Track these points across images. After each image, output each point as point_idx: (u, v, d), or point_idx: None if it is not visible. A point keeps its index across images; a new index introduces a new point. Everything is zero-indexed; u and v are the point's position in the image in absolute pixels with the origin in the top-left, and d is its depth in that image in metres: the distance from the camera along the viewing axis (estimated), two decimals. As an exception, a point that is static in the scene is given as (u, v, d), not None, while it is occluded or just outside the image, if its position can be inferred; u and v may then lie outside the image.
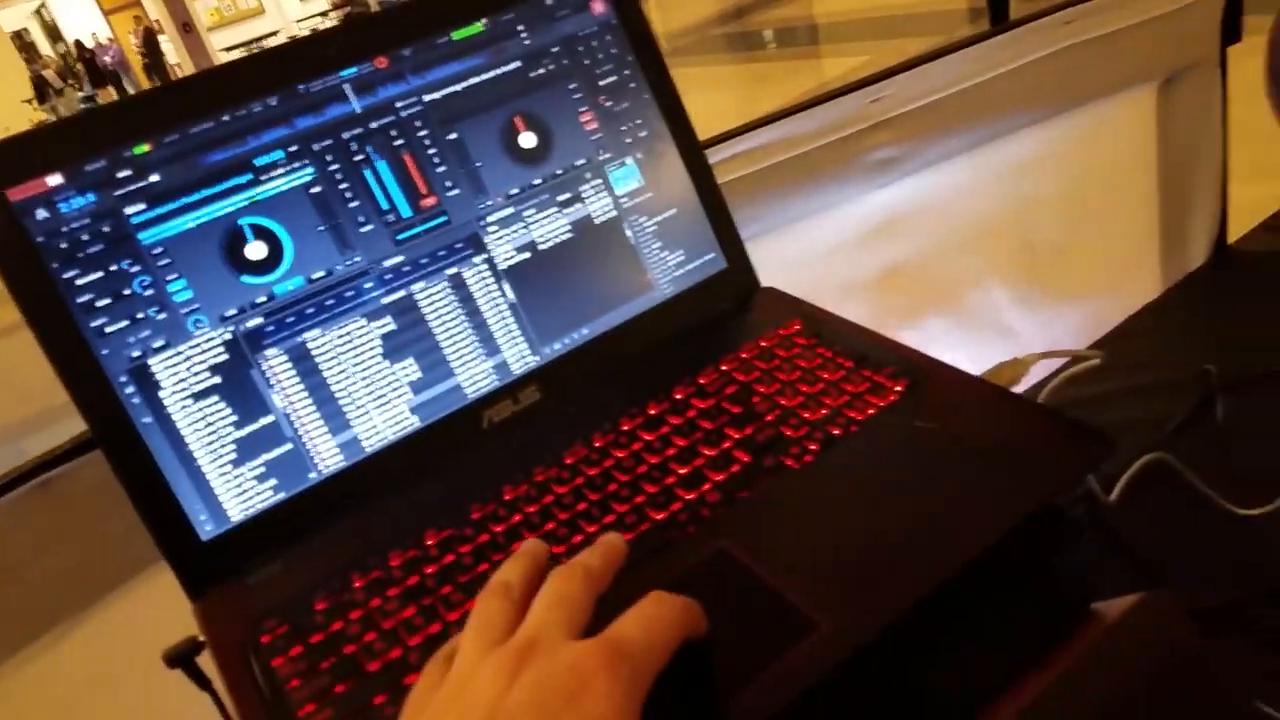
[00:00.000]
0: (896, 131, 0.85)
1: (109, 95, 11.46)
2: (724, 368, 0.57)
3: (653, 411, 0.55)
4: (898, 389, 0.52)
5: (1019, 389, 0.64)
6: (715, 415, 0.53)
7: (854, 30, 5.66)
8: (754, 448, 0.50)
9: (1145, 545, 0.67)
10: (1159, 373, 0.87)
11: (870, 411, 0.51)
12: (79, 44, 12.49)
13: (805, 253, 0.89)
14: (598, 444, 0.53)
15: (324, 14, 11.94)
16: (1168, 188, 1.06)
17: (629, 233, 0.60)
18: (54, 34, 14.70)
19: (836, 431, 0.50)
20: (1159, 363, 0.88)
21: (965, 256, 1.00)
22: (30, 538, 0.59)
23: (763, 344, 0.58)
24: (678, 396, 0.55)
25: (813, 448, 0.50)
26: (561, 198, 0.59)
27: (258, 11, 12.60)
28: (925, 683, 0.44)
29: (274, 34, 12.05)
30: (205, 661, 0.48)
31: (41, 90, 11.97)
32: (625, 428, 0.54)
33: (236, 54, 10.60)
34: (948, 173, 0.91)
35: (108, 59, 12.20)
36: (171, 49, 11.34)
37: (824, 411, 0.52)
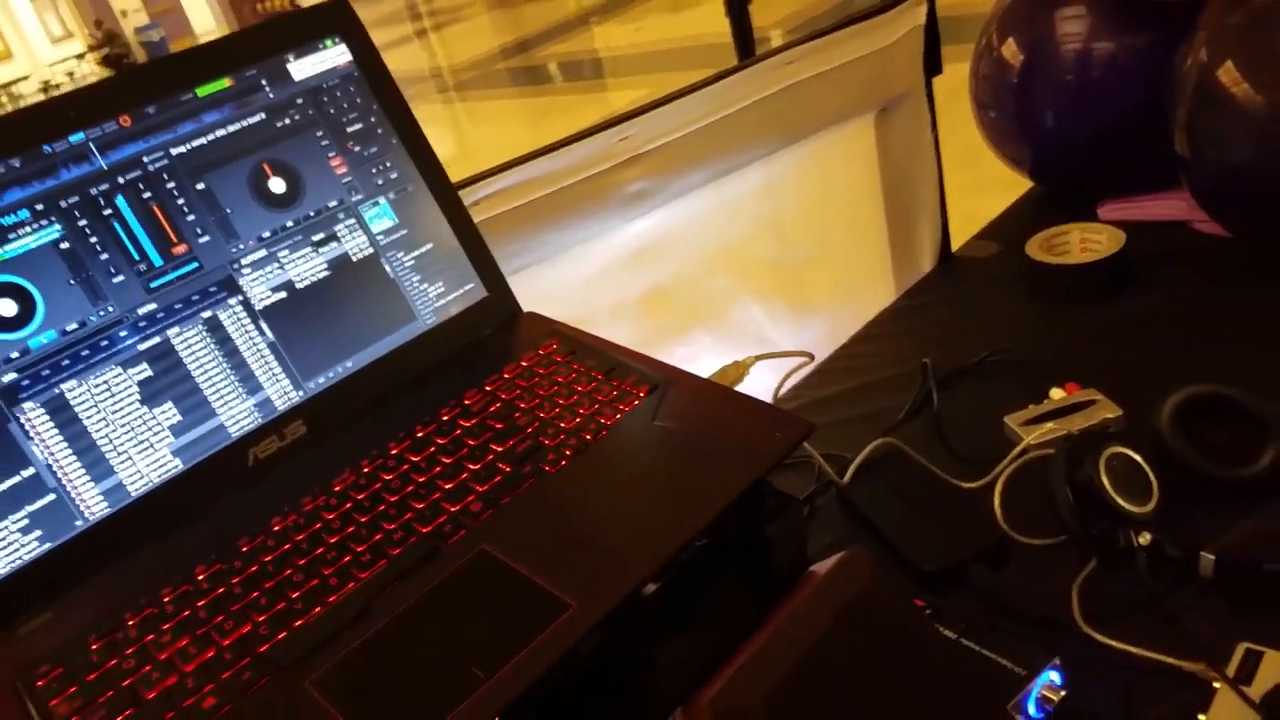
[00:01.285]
0: (645, 166, 0.93)
1: None
2: (488, 388, 0.61)
3: (420, 434, 0.58)
4: (641, 394, 0.58)
5: (742, 386, 0.73)
6: (479, 432, 0.58)
7: (635, 64, 5.87)
8: (515, 458, 0.55)
9: (884, 519, 0.76)
10: (891, 369, 0.98)
11: (617, 416, 0.57)
12: None
13: (575, 280, 0.96)
14: (366, 469, 0.56)
15: (80, 56, 11.12)
16: (893, 205, 1.20)
17: (388, 268, 0.64)
18: None
19: (589, 437, 0.56)
20: (890, 360, 1.00)
21: (721, 276, 1.09)
22: None
23: (523, 363, 0.63)
24: (444, 418, 0.59)
25: (568, 453, 0.55)
26: (316, 238, 0.62)
27: (3, 55, 11.55)
28: (667, 647, 0.50)
29: (24, 78, 11.09)
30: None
31: None
32: (394, 451, 0.57)
33: (-18, 101, 9.66)
34: (697, 201, 1.00)
35: None
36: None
37: (578, 420, 0.57)
